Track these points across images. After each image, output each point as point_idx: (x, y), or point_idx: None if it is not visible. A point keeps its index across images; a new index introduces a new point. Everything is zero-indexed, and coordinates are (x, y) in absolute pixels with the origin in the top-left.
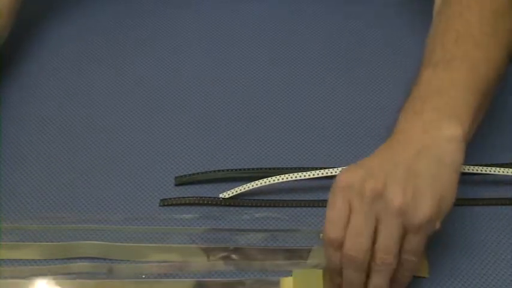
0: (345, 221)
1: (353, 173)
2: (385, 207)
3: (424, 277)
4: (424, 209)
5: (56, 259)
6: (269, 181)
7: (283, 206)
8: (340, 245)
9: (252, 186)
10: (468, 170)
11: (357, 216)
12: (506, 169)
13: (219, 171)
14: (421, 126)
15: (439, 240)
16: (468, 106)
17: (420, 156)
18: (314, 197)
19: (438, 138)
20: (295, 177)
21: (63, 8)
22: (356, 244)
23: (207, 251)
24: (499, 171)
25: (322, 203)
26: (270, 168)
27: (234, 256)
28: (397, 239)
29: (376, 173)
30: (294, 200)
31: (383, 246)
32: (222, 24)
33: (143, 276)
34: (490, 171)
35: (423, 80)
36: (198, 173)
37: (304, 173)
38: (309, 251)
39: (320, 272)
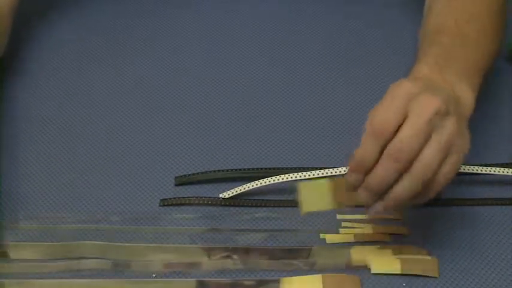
0: (399, 121)
1: (415, 87)
2: (443, 126)
3: (434, 277)
4: (468, 142)
5: (57, 259)
6: (269, 181)
7: (283, 206)
8: (386, 139)
9: (252, 186)
10: (468, 170)
11: (418, 120)
12: (506, 169)
13: (219, 171)
14: (449, 82)
15: (439, 240)
16: (479, 84)
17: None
18: None
19: (461, 98)
20: (295, 177)
21: (63, 8)
22: (409, 144)
23: (207, 251)
24: (499, 171)
25: None
26: (270, 168)
27: (234, 256)
28: (442, 158)
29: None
30: (294, 200)
31: (429, 158)
32: (222, 24)
33: (154, 276)
34: (490, 171)
35: (443, 43)
36: (198, 173)
37: (304, 173)
38: (309, 251)
39: (326, 183)
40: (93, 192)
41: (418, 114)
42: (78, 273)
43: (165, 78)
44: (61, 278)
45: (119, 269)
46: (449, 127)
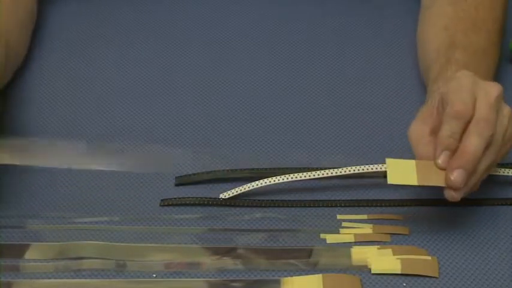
0: (474, 103)
1: (473, 76)
2: (502, 109)
3: (434, 277)
4: None
5: (57, 259)
6: (269, 181)
7: (283, 206)
8: (466, 118)
9: (252, 186)
10: None
11: (489, 99)
12: (507, 169)
13: (219, 171)
14: None
15: (439, 240)
16: None
17: None
18: (314, 197)
19: None
20: (295, 177)
21: None
22: (491, 117)
23: (208, 251)
24: (499, 172)
25: (322, 203)
26: (270, 169)
27: (234, 256)
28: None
29: None
30: (294, 200)
31: (501, 130)
32: (221, 24)
33: (154, 276)
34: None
35: (459, 60)
36: (198, 173)
37: (304, 173)
38: (310, 251)
39: (413, 162)
40: (93, 192)
41: (485, 95)
42: (78, 273)
43: (165, 78)
44: (61, 278)
45: (119, 269)
46: (507, 108)
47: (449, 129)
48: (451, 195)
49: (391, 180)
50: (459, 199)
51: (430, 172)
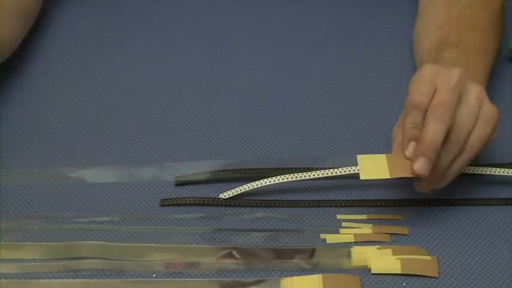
0: (432, 92)
1: (436, 66)
2: (469, 90)
3: (434, 277)
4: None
5: (57, 259)
6: (269, 181)
7: (283, 206)
8: (425, 108)
9: (252, 186)
10: (468, 170)
11: (448, 83)
12: (507, 169)
13: (219, 171)
14: None
15: (439, 240)
16: (485, 87)
17: None
18: (314, 197)
19: None
20: (295, 177)
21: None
22: (449, 98)
23: (208, 251)
24: (499, 172)
25: (322, 203)
26: (270, 168)
27: (234, 256)
28: (475, 116)
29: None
30: (294, 200)
31: (465, 115)
32: (221, 24)
33: (154, 276)
34: (490, 171)
35: (447, 58)
36: (198, 173)
37: (304, 173)
38: (310, 251)
39: (384, 156)
40: (93, 192)
41: (446, 80)
42: (78, 273)
43: (166, 78)
44: (61, 278)
45: (119, 269)
46: (474, 89)
47: (410, 120)
48: (420, 186)
49: (363, 176)
50: (429, 189)
51: (400, 164)
